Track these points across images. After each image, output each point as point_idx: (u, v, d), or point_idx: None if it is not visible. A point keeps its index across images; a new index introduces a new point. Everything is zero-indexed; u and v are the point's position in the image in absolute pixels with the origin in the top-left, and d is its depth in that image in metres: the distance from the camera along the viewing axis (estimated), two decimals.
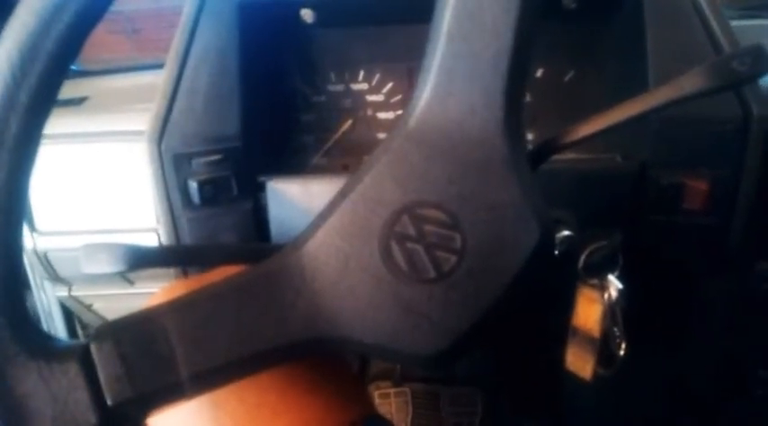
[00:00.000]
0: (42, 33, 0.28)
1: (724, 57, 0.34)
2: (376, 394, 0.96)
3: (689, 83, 0.34)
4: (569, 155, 0.60)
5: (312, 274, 0.31)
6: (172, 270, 0.65)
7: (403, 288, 0.31)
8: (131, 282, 0.78)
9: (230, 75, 0.56)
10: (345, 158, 0.69)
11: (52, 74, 0.29)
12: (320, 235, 0.32)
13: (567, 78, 0.67)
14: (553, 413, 0.90)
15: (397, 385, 1.01)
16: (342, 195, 0.32)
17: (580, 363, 0.47)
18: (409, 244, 0.31)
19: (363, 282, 0.31)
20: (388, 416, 0.95)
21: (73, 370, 0.28)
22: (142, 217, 0.70)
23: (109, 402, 0.28)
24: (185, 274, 0.59)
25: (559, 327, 0.49)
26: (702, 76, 0.34)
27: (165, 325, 0.30)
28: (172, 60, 0.55)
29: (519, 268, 0.31)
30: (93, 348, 0.29)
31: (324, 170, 0.68)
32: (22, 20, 0.28)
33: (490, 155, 0.31)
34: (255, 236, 0.58)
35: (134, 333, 0.29)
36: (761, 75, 0.33)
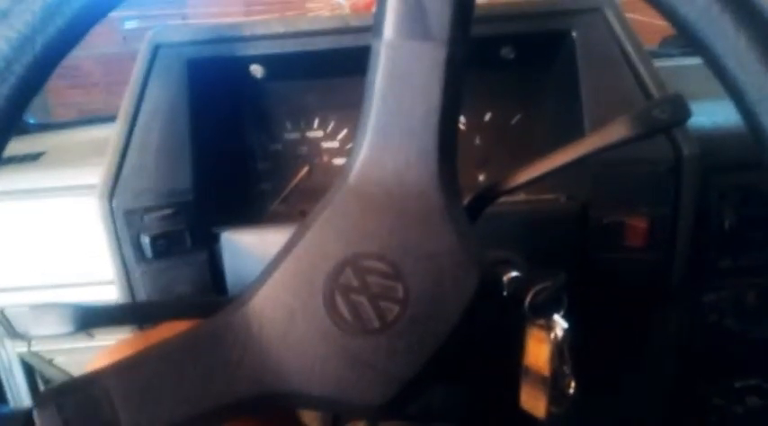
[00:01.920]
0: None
1: (646, 106, 0.36)
2: None
3: (615, 131, 0.36)
4: (515, 197, 0.61)
5: (258, 330, 0.32)
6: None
7: (348, 339, 0.32)
8: (92, 335, 0.77)
9: (181, 129, 0.57)
10: (303, 204, 0.70)
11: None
12: (265, 290, 0.32)
13: (514, 121, 0.69)
14: None
15: (372, 424, 0.99)
16: (286, 249, 0.33)
17: (533, 402, 0.48)
18: (353, 296, 0.32)
19: (310, 335, 0.32)
20: None
21: None
22: (100, 270, 0.70)
23: None
24: (141, 328, 0.58)
25: (514, 367, 0.49)
26: (627, 125, 0.36)
27: (108, 389, 0.30)
28: (122, 116, 0.56)
29: (460, 313, 0.33)
30: (35, 414, 0.29)
31: (282, 217, 0.68)
32: None
33: (427, 206, 0.33)
34: (212, 288, 0.58)
35: (77, 399, 0.29)
36: (680, 122, 0.36)
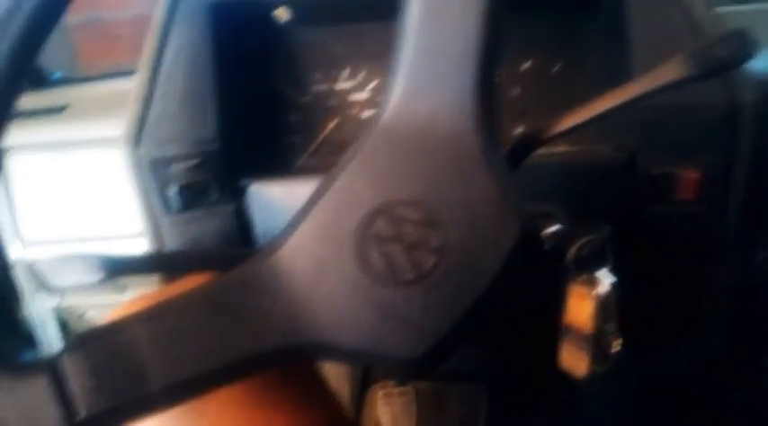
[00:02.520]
0: None
1: (705, 43, 0.33)
2: (380, 394, 0.95)
3: (670, 71, 0.34)
4: (557, 148, 0.59)
5: (287, 279, 0.31)
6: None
7: (380, 290, 0.30)
8: (123, 290, 0.78)
9: (205, 77, 0.55)
10: (333, 158, 0.68)
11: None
12: (294, 240, 0.31)
13: (554, 70, 0.66)
14: (562, 411, 0.90)
15: (401, 384, 1.00)
16: (315, 197, 0.32)
17: (573, 361, 0.46)
18: (386, 245, 0.30)
19: (340, 286, 0.30)
20: (393, 416, 0.95)
21: (43, 384, 0.28)
22: (129, 223, 0.70)
23: (79, 416, 0.28)
24: (167, 279, 0.58)
25: (554, 324, 0.48)
26: (684, 64, 0.33)
27: (135, 337, 0.29)
28: (145, 64, 0.55)
29: (499, 266, 0.31)
30: (63, 361, 0.28)
31: (311, 170, 0.67)
32: None
33: (463, 151, 0.31)
34: (239, 241, 0.57)
35: (104, 345, 0.29)
36: (743, 61, 0.32)
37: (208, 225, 0.55)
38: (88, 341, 0.29)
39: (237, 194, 0.56)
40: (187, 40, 0.55)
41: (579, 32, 0.64)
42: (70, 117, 0.73)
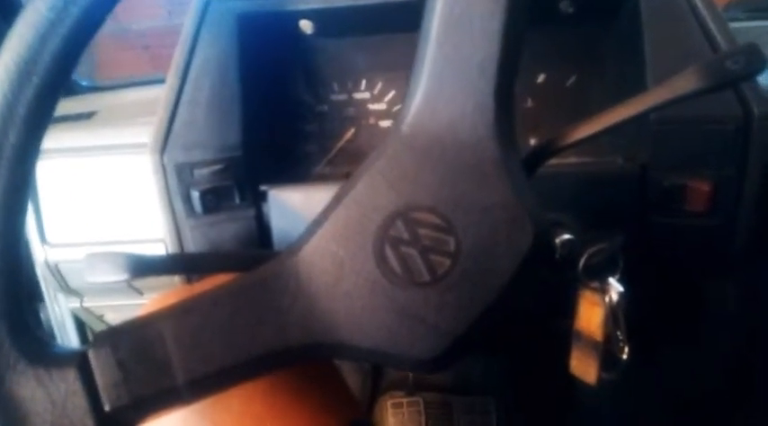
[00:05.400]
0: (39, 47, 0.29)
1: (717, 56, 0.34)
2: (389, 403, 0.95)
3: (683, 83, 0.34)
4: (570, 159, 0.60)
5: (308, 279, 0.32)
6: (177, 280, 0.66)
7: (398, 291, 0.31)
8: (141, 293, 0.79)
9: (231, 85, 0.57)
10: (348, 167, 0.69)
11: (49, 87, 0.30)
12: (315, 241, 0.32)
13: (569, 83, 0.66)
14: (569, 423, 0.90)
15: (410, 394, 1.00)
16: (336, 200, 0.33)
17: (584, 367, 0.47)
18: (403, 248, 0.32)
19: (359, 287, 0.31)
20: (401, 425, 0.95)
21: (71, 376, 0.29)
22: (150, 228, 0.71)
23: (106, 407, 0.29)
24: (189, 283, 0.59)
25: (564, 331, 0.48)
26: (696, 76, 0.34)
27: (161, 331, 0.30)
28: (173, 72, 0.56)
29: (514, 270, 0.32)
30: (91, 354, 0.29)
31: (327, 178, 0.68)
32: (20, 33, 0.29)
33: (482, 157, 0.32)
34: (258, 245, 0.58)
35: (131, 340, 0.30)
36: (754, 74, 0.33)
37: (228, 228, 0.56)
38: (116, 336, 0.30)
39: (258, 199, 0.57)
40: (214, 50, 0.57)
41: (594, 45, 0.65)
42: (98, 123, 0.75)
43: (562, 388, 0.84)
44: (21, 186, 0.30)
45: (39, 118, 0.30)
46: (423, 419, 0.99)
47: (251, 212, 0.57)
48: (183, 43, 0.57)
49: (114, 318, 0.86)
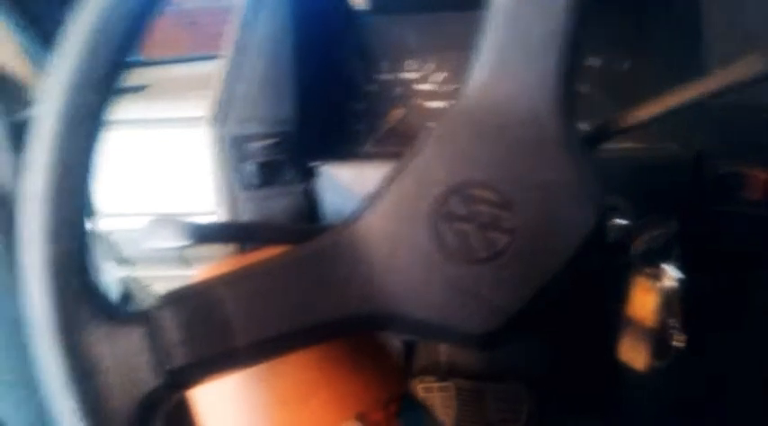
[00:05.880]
0: (114, 12, 0.30)
1: None
2: (420, 388, 0.96)
3: (747, 67, 0.34)
4: (624, 144, 0.59)
5: (364, 252, 0.32)
6: (224, 253, 0.67)
7: (452, 267, 0.31)
8: (189, 264, 0.81)
9: (286, 61, 0.57)
10: (396, 146, 0.69)
11: (118, 52, 0.30)
12: (371, 215, 0.33)
13: (624, 68, 0.65)
14: (606, 412, 0.89)
15: (442, 379, 1.00)
16: (393, 175, 0.33)
17: (633, 354, 0.47)
18: (460, 224, 0.32)
19: (414, 261, 0.32)
20: (433, 410, 0.96)
21: (138, 334, 0.30)
22: (199, 200, 0.73)
23: (170, 365, 0.30)
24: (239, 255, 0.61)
25: (612, 317, 0.48)
26: (759, 61, 0.33)
27: (222, 296, 0.31)
28: (230, 47, 0.57)
29: (573, 249, 0.31)
30: (156, 315, 0.30)
31: (374, 157, 0.69)
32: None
33: (543, 134, 0.31)
34: (307, 220, 0.59)
35: (194, 302, 0.31)
36: None
37: (279, 202, 0.57)
38: (181, 298, 0.31)
39: (309, 175, 0.58)
40: (271, 25, 0.57)
41: (650, 30, 0.63)
42: (150, 96, 0.76)
43: (599, 377, 0.83)
44: (91, 149, 0.31)
45: (111, 82, 0.31)
46: (454, 404, 0.99)
47: (301, 187, 0.58)
48: (239, 19, 0.58)
49: (161, 288, 0.88)
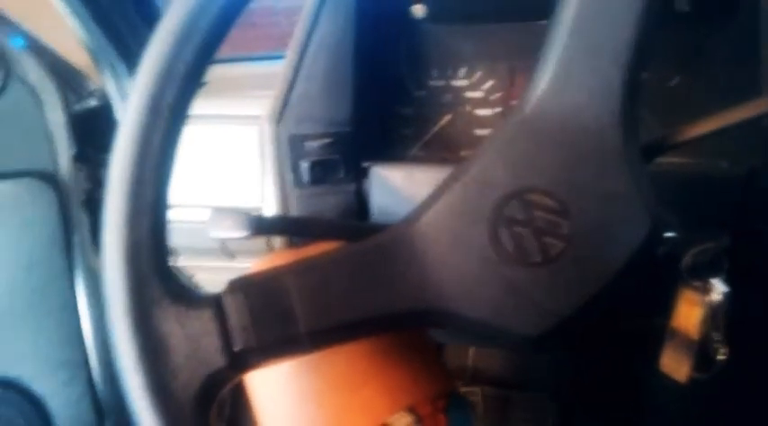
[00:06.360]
0: (199, 12, 0.32)
1: None
2: None
3: None
4: (674, 159, 0.59)
5: (422, 249, 0.33)
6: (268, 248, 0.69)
7: (508, 269, 0.33)
8: (233, 256, 0.83)
9: (345, 63, 0.59)
10: (443, 152, 0.70)
11: (205, 48, 0.32)
12: (431, 214, 0.34)
13: (672, 84, 0.65)
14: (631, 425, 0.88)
15: (467, 384, 1.01)
16: (454, 177, 0.34)
17: (675, 365, 0.47)
18: (517, 228, 0.33)
19: (470, 261, 0.33)
20: None
21: (207, 317, 0.31)
22: (247, 196, 0.75)
23: (236, 348, 0.31)
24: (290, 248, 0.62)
25: (654, 329, 0.48)
26: None
27: (287, 285, 0.33)
28: (293, 48, 0.59)
29: (626, 259, 0.32)
30: (225, 299, 0.32)
31: (421, 162, 0.70)
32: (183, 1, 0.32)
33: (605, 145, 0.32)
34: (356, 218, 0.60)
35: (261, 289, 0.33)
36: None
37: (330, 200, 0.59)
38: (249, 284, 0.33)
39: (360, 175, 0.60)
40: (333, 28, 0.59)
41: (704, 47, 0.63)
42: (209, 93, 0.79)
43: (625, 390, 0.83)
44: (175, 137, 0.33)
45: (194, 78, 0.33)
46: (480, 410, 0.99)
47: (352, 187, 0.60)
48: (303, 21, 0.59)
49: (204, 278, 0.91)
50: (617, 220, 0.32)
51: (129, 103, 0.32)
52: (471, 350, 1.00)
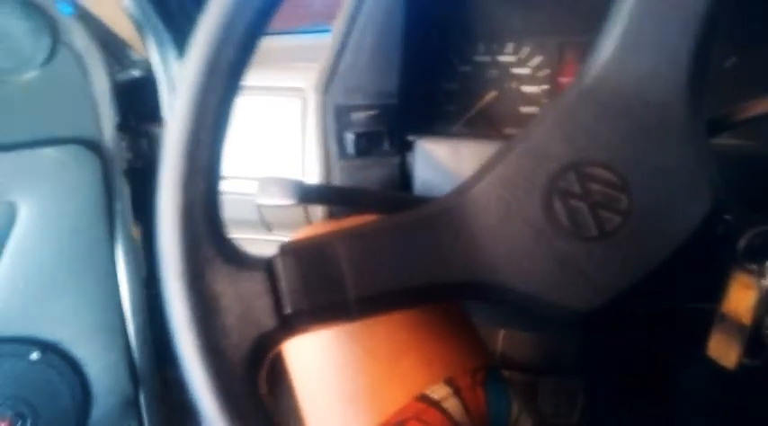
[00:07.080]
0: None
1: None
2: None
3: None
4: (730, 140, 0.57)
5: (473, 219, 0.33)
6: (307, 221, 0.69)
7: (562, 242, 0.32)
8: (270, 228, 0.84)
9: (394, 35, 0.58)
10: (487, 129, 0.70)
11: (264, 10, 0.32)
12: (485, 183, 0.33)
13: (728, 64, 0.63)
14: (658, 410, 0.87)
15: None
16: (509, 147, 0.34)
17: (723, 350, 0.46)
18: (573, 201, 0.32)
19: (523, 232, 0.32)
20: None
21: (259, 278, 0.31)
22: (287, 168, 0.75)
23: (286, 310, 0.31)
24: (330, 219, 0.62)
25: (701, 312, 0.47)
26: None
27: (337, 251, 0.33)
28: (342, 19, 0.59)
29: (685, 236, 0.31)
30: (277, 262, 0.32)
31: (465, 137, 0.69)
32: None
33: (669, 118, 0.31)
34: (399, 191, 0.60)
35: (312, 254, 0.33)
36: None
37: (374, 172, 0.59)
38: (301, 249, 0.33)
39: (405, 148, 0.59)
40: (382, 1, 0.58)
41: (758, 27, 0.61)
42: (254, 65, 0.79)
43: (655, 376, 0.81)
44: (230, 102, 0.33)
45: (252, 41, 0.32)
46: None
47: (396, 159, 0.59)
48: None
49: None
50: (678, 196, 0.31)
51: (187, 65, 0.32)
52: (501, 335, 0.99)
